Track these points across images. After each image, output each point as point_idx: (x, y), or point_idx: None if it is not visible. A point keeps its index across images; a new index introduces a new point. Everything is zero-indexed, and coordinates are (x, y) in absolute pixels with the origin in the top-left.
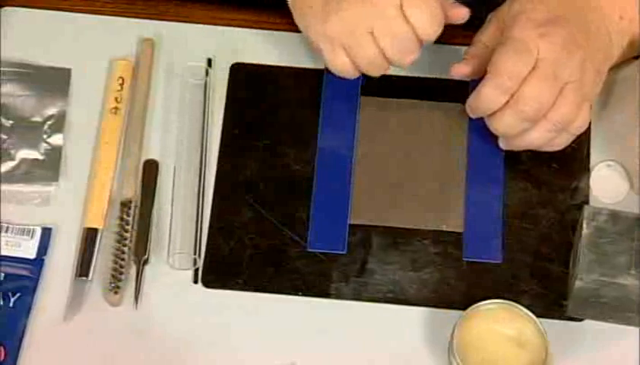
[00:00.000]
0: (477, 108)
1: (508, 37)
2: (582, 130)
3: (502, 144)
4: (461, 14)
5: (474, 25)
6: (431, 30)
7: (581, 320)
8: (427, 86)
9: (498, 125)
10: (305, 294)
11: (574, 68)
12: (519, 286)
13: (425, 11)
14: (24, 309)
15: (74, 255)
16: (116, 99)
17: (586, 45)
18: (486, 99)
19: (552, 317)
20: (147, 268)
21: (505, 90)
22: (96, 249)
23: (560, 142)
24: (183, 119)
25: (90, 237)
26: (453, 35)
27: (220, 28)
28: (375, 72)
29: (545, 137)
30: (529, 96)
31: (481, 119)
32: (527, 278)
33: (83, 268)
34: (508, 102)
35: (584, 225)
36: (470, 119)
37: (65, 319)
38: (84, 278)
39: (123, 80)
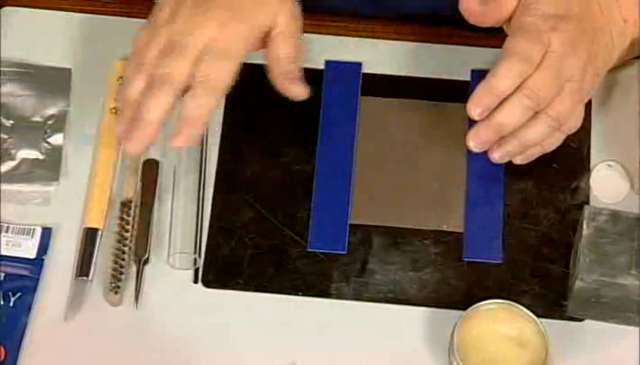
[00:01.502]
0: (486, 95)
1: (520, 24)
2: (574, 130)
3: (495, 154)
4: (297, 93)
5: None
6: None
7: (581, 320)
8: (427, 86)
9: (499, 115)
10: (305, 294)
11: (577, 67)
12: (519, 286)
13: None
14: (24, 309)
15: (74, 255)
16: (116, 98)
17: (590, 46)
18: (498, 82)
19: (553, 317)
20: (148, 268)
21: (518, 73)
22: (96, 249)
23: (552, 142)
24: None
25: (90, 237)
26: (453, 35)
27: None
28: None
29: (540, 133)
30: (534, 86)
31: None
32: (527, 278)
33: (83, 268)
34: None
35: (585, 225)
36: (470, 119)
37: (66, 319)
38: (85, 278)
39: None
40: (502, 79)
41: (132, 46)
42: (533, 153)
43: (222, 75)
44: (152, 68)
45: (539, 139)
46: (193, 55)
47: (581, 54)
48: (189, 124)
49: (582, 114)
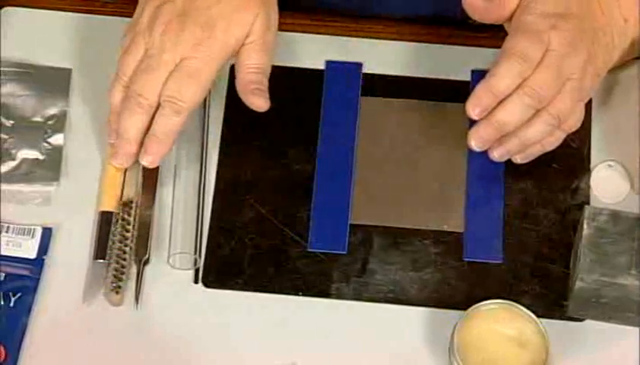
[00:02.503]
0: (485, 95)
1: (520, 23)
2: (574, 129)
3: (496, 152)
4: (258, 105)
5: (474, 26)
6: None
7: (581, 320)
8: (427, 86)
9: (500, 113)
10: (305, 294)
11: (577, 66)
12: (520, 286)
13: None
14: (25, 309)
15: (74, 255)
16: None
17: (590, 46)
18: (498, 82)
19: (553, 317)
20: (148, 268)
21: (518, 73)
22: (112, 233)
23: (552, 141)
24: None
25: (105, 220)
26: (453, 35)
27: None
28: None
29: (540, 132)
30: (534, 84)
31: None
32: (527, 278)
33: (99, 251)
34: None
35: (585, 225)
36: (471, 119)
37: (84, 302)
38: (101, 261)
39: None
40: (502, 79)
41: (121, 47)
42: (534, 152)
43: (188, 96)
44: (128, 82)
45: (539, 137)
46: (164, 74)
47: (581, 53)
48: (156, 141)
49: (582, 113)
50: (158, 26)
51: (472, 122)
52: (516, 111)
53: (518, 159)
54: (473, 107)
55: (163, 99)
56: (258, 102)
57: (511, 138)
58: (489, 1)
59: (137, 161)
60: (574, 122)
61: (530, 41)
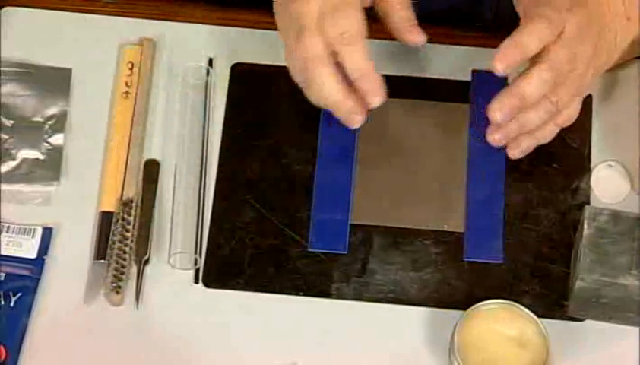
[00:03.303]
0: (512, 50)
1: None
2: (569, 123)
3: (496, 135)
4: (416, 40)
5: (474, 26)
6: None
7: (582, 320)
8: (427, 86)
9: (522, 83)
10: (306, 294)
11: (583, 56)
12: (520, 286)
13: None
14: (25, 309)
15: (74, 255)
16: (126, 83)
17: (597, 40)
18: (526, 39)
19: (553, 317)
20: (148, 268)
21: (544, 36)
22: (112, 232)
23: (545, 134)
24: (184, 119)
25: (105, 221)
26: (453, 35)
27: (220, 28)
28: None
29: (538, 118)
30: (554, 59)
31: (481, 120)
32: (528, 278)
33: (99, 251)
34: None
35: (585, 225)
36: (471, 119)
37: (84, 302)
38: (102, 261)
39: (132, 64)
40: (531, 37)
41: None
42: (529, 146)
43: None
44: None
45: (536, 124)
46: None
47: (589, 44)
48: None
49: (578, 109)
50: None
51: (472, 123)
52: (537, 84)
53: (516, 153)
54: (499, 61)
55: (334, 45)
56: (418, 37)
57: (512, 120)
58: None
59: (138, 161)
60: (568, 117)
61: (555, 12)
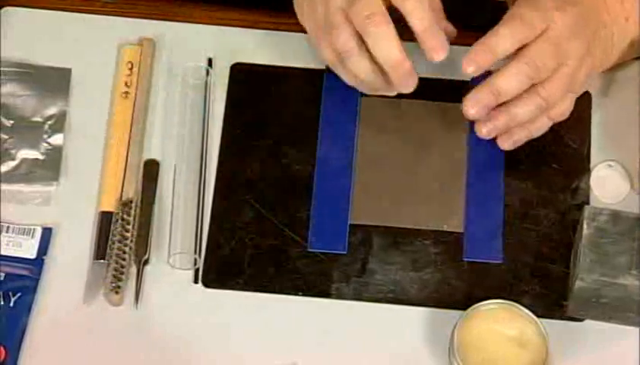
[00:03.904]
0: (483, 52)
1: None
2: (562, 118)
3: (484, 128)
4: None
5: (474, 25)
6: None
7: (581, 320)
8: (427, 86)
9: (498, 80)
10: (305, 294)
11: (576, 53)
12: (520, 286)
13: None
14: (25, 309)
15: (74, 255)
16: (126, 83)
17: (591, 37)
18: (498, 41)
19: (553, 317)
20: (148, 268)
21: (519, 37)
22: (111, 232)
23: (539, 127)
24: (184, 119)
25: (105, 221)
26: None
27: (220, 28)
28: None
29: (528, 112)
30: (534, 55)
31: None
32: (527, 278)
33: (99, 251)
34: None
35: (585, 225)
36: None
37: (84, 302)
38: (102, 261)
39: (132, 64)
40: (502, 38)
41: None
42: (521, 138)
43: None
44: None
45: (526, 118)
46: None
47: (582, 41)
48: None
49: (571, 105)
50: None
51: (472, 123)
52: (513, 80)
53: (505, 145)
54: (468, 63)
55: (363, 26)
56: (440, 54)
57: (500, 113)
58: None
59: (137, 161)
60: (561, 111)
61: (535, 11)
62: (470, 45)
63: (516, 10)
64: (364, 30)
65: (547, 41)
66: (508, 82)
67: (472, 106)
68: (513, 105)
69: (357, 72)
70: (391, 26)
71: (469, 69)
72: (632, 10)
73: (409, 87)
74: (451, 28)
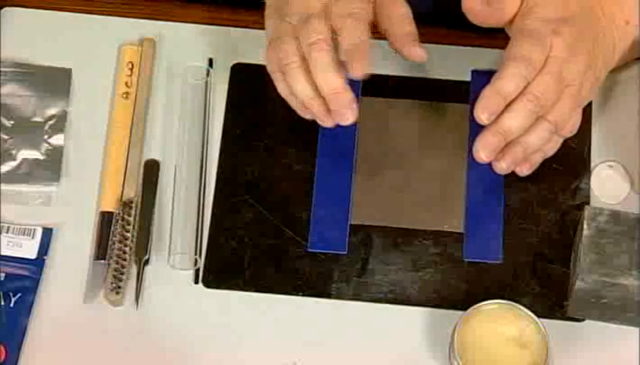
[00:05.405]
0: (493, 98)
1: (522, 28)
2: (571, 134)
3: (503, 163)
4: (418, 55)
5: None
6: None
7: (581, 320)
8: (427, 86)
9: (506, 120)
10: (305, 294)
11: (577, 72)
12: (520, 286)
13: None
14: (25, 309)
15: (74, 255)
16: (126, 83)
17: (592, 50)
18: (505, 85)
19: (553, 317)
20: (148, 269)
21: (523, 77)
22: (112, 232)
23: (552, 146)
24: (184, 119)
25: (105, 221)
26: (452, 35)
27: (220, 28)
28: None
29: (540, 139)
30: (537, 90)
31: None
32: (527, 279)
33: (99, 251)
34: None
35: (585, 225)
36: (471, 119)
37: (84, 302)
38: (102, 261)
39: (132, 65)
40: (509, 81)
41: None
42: (537, 160)
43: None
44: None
45: (539, 144)
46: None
47: (582, 58)
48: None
49: (579, 118)
50: None
51: (472, 123)
52: (520, 117)
53: (524, 170)
54: (482, 110)
55: (339, 24)
56: (422, 52)
57: (515, 147)
58: (488, 5)
59: (138, 161)
60: (571, 128)
61: (533, 45)
62: (471, 45)
63: (516, 47)
64: (308, 54)
65: (548, 74)
66: (514, 122)
67: (481, 149)
68: (525, 136)
69: (294, 86)
70: (333, 54)
71: (482, 116)
72: (632, 13)
73: (347, 118)
74: (420, 52)
